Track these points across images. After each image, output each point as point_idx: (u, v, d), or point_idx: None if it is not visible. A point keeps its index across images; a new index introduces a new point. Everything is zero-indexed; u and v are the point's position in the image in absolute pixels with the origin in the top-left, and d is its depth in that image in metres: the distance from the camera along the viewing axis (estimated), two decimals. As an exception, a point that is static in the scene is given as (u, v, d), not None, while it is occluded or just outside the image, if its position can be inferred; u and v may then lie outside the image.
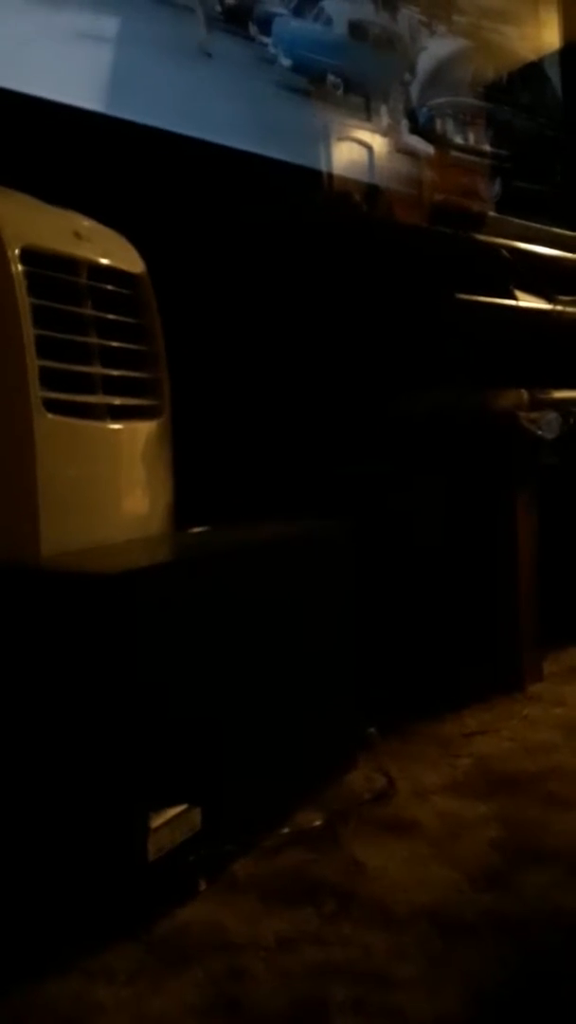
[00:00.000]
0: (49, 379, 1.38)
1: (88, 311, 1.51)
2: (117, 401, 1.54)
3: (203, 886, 1.27)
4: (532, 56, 4.05)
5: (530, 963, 1.13)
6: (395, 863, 1.35)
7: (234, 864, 1.34)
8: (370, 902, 1.25)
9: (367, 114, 3.22)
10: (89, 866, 1.20)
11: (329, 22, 3.07)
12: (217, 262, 2.18)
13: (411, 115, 3.40)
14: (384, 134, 3.25)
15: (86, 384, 1.49)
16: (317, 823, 1.47)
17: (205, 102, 2.57)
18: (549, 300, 2.53)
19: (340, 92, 3.07)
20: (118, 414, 1.54)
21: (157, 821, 1.21)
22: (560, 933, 1.19)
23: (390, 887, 1.29)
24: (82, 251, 1.52)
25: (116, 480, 1.54)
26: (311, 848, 1.39)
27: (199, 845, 1.27)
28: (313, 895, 1.27)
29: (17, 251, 1.37)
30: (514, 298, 2.40)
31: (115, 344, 1.55)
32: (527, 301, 2.45)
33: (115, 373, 1.55)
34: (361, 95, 3.18)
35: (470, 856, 1.36)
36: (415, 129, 3.39)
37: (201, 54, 2.63)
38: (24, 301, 1.36)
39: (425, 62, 3.44)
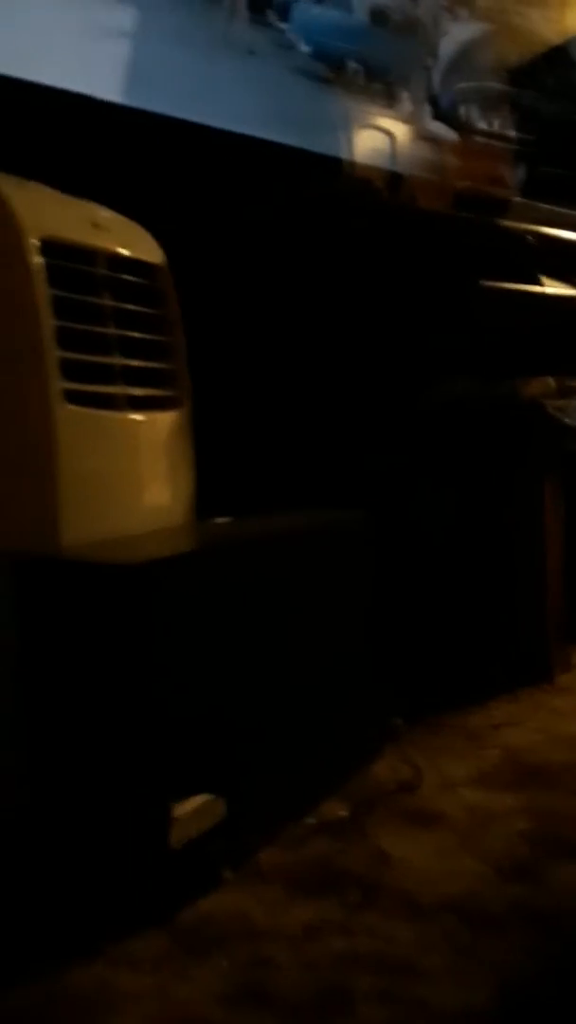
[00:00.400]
0: (69, 370, 1.38)
1: (107, 302, 1.50)
2: (137, 391, 1.54)
3: (228, 875, 1.27)
4: (556, 39, 3.99)
5: (558, 956, 1.11)
6: (421, 854, 1.34)
7: (259, 853, 1.34)
8: (395, 893, 1.24)
9: (389, 101, 3.18)
10: (113, 854, 1.20)
11: (349, 8, 3.05)
12: (238, 252, 2.17)
13: (433, 101, 3.36)
14: (406, 121, 3.22)
15: (106, 375, 1.48)
16: (343, 813, 1.46)
17: (224, 91, 2.56)
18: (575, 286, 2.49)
19: (361, 79, 3.04)
20: (138, 404, 1.54)
21: (181, 810, 1.21)
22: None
23: (416, 878, 1.28)
24: (101, 241, 1.52)
25: (137, 470, 1.54)
26: (336, 838, 1.39)
27: (224, 835, 1.27)
28: (338, 885, 1.26)
29: (36, 242, 1.37)
30: (540, 284, 2.37)
31: (134, 335, 1.55)
32: (553, 287, 2.41)
33: (135, 363, 1.54)
34: (383, 82, 3.14)
35: (498, 848, 1.35)
36: (438, 115, 3.35)
37: (226, 44, 2.62)
38: (43, 292, 1.36)
39: (447, 47, 3.40)
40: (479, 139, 3.54)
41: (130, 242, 1.61)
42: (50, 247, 1.39)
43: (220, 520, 1.65)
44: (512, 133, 3.65)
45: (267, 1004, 1.03)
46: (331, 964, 1.10)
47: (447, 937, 1.14)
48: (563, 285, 2.46)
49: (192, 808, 1.23)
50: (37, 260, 1.36)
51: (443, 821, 1.44)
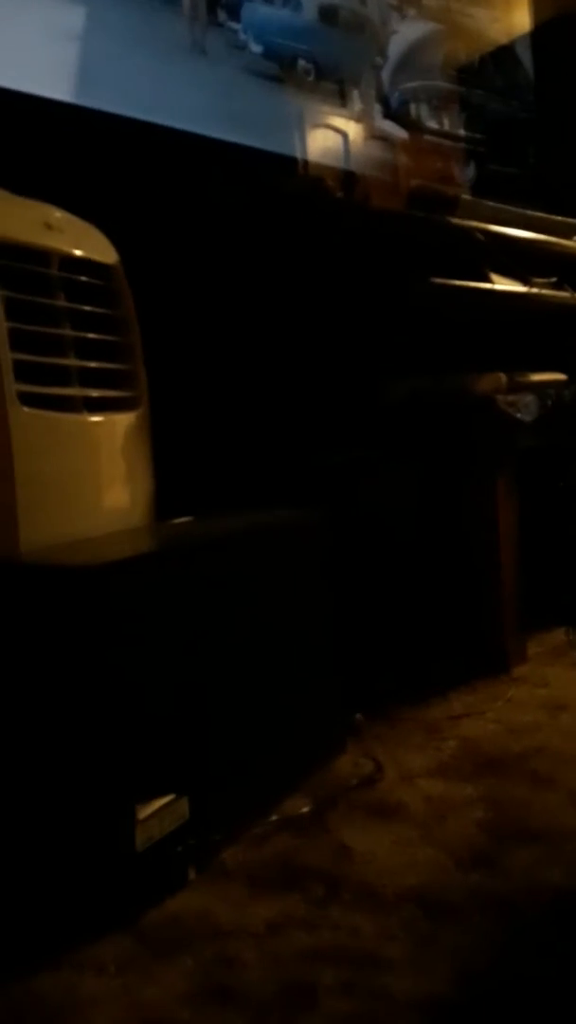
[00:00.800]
0: (24, 372, 1.37)
1: (61, 303, 1.50)
2: (94, 393, 1.54)
3: (192, 875, 1.28)
4: (503, 39, 4.05)
5: (517, 941, 1.14)
6: (382, 847, 1.36)
7: (223, 852, 1.34)
8: (358, 886, 1.26)
9: (340, 100, 3.20)
10: (77, 858, 1.20)
11: (298, 7, 3.05)
12: (192, 251, 2.17)
13: (384, 100, 3.38)
14: (358, 120, 3.23)
15: (61, 376, 1.48)
16: (305, 809, 1.47)
17: (176, 91, 2.55)
18: (525, 283, 2.53)
19: (311, 78, 3.05)
20: (95, 406, 1.54)
21: (144, 812, 1.22)
22: (546, 910, 1.20)
23: (378, 871, 1.29)
24: (54, 242, 1.51)
25: (95, 473, 1.54)
26: (299, 834, 1.40)
27: (188, 835, 1.27)
28: (301, 881, 1.27)
29: (-13, 243, 1.35)
30: (490, 281, 2.41)
31: (90, 336, 1.54)
32: (503, 284, 2.45)
33: (91, 365, 1.54)
34: (333, 80, 3.16)
35: (456, 837, 1.37)
36: (388, 114, 3.38)
37: (180, 46, 2.60)
38: (-4, 294, 1.35)
39: (396, 46, 3.42)
40: (429, 137, 3.57)
41: (84, 243, 1.60)
42: (2, 248, 1.38)
43: (179, 520, 1.65)
44: (462, 131, 3.70)
45: (233, 1002, 1.04)
46: (295, 959, 1.11)
47: (408, 927, 1.16)
48: (512, 282, 2.50)
49: (156, 809, 1.23)
50: (-11, 262, 1.35)
51: (403, 813, 1.46)
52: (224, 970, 1.09)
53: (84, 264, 1.57)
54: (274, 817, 1.44)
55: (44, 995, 1.06)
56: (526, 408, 2.19)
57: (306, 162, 2.93)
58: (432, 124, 3.56)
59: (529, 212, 2.90)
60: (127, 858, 1.20)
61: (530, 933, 1.16)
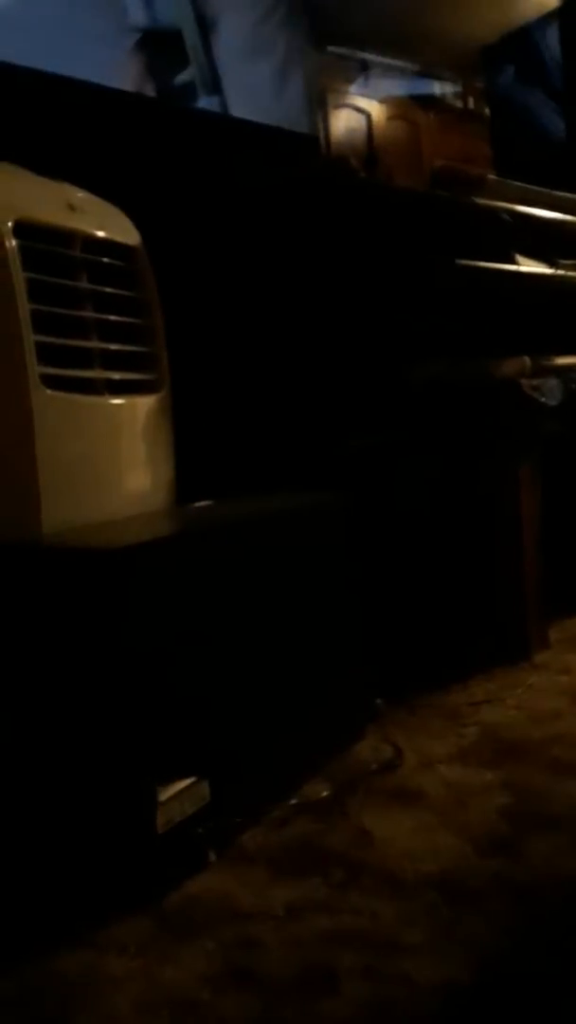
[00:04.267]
0: (46, 354, 1.37)
1: (84, 284, 1.49)
2: (115, 376, 1.53)
3: (213, 857, 1.28)
4: (532, 15, 3.97)
5: (537, 929, 1.14)
6: (402, 832, 1.36)
7: (243, 835, 1.35)
8: (378, 871, 1.26)
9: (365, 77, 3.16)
10: (98, 839, 1.21)
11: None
12: (213, 233, 2.15)
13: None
14: (381, 100, 3.19)
15: (84, 359, 1.47)
16: (325, 794, 1.47)
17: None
18: (551, 264, 2.49)
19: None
20: (117, 389, 1.53)
21: (165, 794, 1.22)
22: (567, 898, 1.19)
23: (398, 856, 1.29)
24: (76, 223, 1.50)
25: (116, 455, 1.53)
26: (319, 818, 1.40)
27: (208, 817, 1.28)
28: (321, 864, 1.28)
29: (10, 224, 1.35)
30: (515, 263, 2.37)
31: (112, 318, 1.54)
32: (528, 266, 2.41)
33: (113, 347, 1.53)
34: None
35: (477, 824, 1.37)
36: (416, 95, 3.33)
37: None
38: (19, 275, 1.34)
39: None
40: (454, 117, 3.52)
41: (107, 224, 1.59)
42: (24, 229, 1.37)
43: (201, 504, 1.65)
44: (487, 111, 3.64)
45: (253, 984, 1.05)
46: (315, 942, 1.12)
47: (429, 913, 1.16)
48: (538, 263, 2.47)
49: (177, 791, 1.24)
50: (11, 243, 1.35)
51: (423, 799, 1.46)
52: (244, 952, 1.10)
53: (107, 245, 1.56)
54: (294, 801, 1.44)
55: (65, 974, 1.07)
56: (551, 392, 2.16)
57: (330, 141, 2.90)
58: (458, 104, 3.51)
59: (556, 192, 2.86)
60: (148, 840, 1.20)
61: (550, 920, 1.16)
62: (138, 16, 3.80)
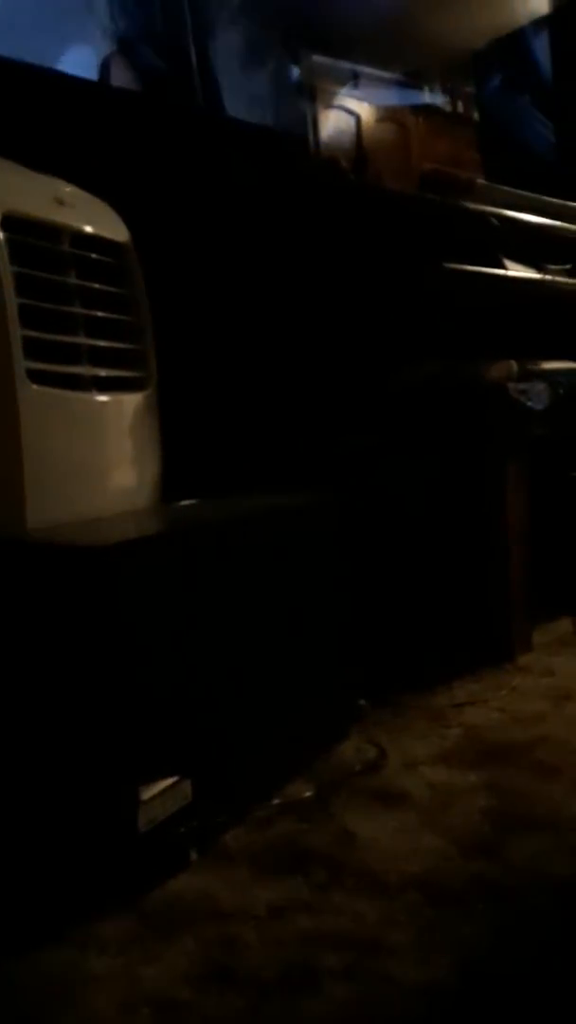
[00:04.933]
0: (33, 349, 1.36)
1: (72, 280, 1.48)
2: (103, 372, 1.52)
3: (194, 857, 1.28)
4: (523, 21, 4.00)
5: (518, 930, 1.14)
6: (385, 833, 1.36)
7: (225, 835, 1.34)
8: (360, 871, 1.26)
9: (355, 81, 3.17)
10: (80, 838, 1.20)
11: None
12: (204, 231, 2.15)
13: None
14: (371, 102, 3.20)
15: (71, 355, 1.46)
16: (308, 794, 1.47)
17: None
18: (538, 269, 2.51)
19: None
20: (104, 385, 1.52)
21: (148, 793, 1.21)
22: (548, 899, 1.20)
23: (380, 856, 1.29)
24: (65, 218, 1.49)
25: (102, 452, 1.53)
26: (302, 818, 1.40)
27: (190, 816, 1.27)
28: (304, 865, 1.27)
29: (-2, 218, 1.34)
30: (503, 267, 2.38)
31: (100, 314, 1.53)
32: (516, 270, 2.42)
33: (100, 344, 1.52)
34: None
35: (459, 825, 1.37)
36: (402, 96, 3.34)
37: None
38: (6, 269, 1.33)
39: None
40: (444, 121, 3.53)
41: (95, 219, 1.58)
42: (12, 223, 1.36)
43: (188, 502, 1.64)
44: (477, 116, 3.66)
45: (234, 983, 1.04)
46: (297, 942, 1.11)
47: (411, 914, 1.16)
48: (526, 268, 2.48)
49: (159, 790, 1.23)
50: (-1, 236, 1.33)
51: (407, 800, 1.46)
52: (225, 951, 1.09)
53: (95, 241, 1.55)
54: (277, 801, 1.44)
55: (46, 972, 1.06)
56: (537, 396, 2.17)
57: (320, 142, 2.90)
58: (447, 108, 3.52)
59: (544, 198, 2.87)
60: (129, 838, 1.19)
61: (532, 922, 1.16)
62: (123, 20, 3.79)
